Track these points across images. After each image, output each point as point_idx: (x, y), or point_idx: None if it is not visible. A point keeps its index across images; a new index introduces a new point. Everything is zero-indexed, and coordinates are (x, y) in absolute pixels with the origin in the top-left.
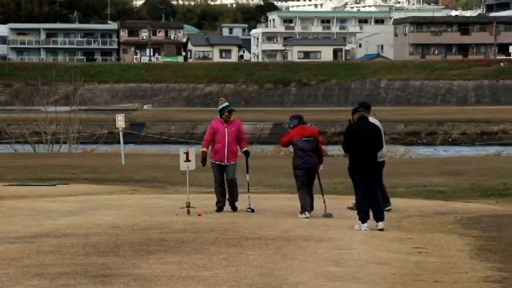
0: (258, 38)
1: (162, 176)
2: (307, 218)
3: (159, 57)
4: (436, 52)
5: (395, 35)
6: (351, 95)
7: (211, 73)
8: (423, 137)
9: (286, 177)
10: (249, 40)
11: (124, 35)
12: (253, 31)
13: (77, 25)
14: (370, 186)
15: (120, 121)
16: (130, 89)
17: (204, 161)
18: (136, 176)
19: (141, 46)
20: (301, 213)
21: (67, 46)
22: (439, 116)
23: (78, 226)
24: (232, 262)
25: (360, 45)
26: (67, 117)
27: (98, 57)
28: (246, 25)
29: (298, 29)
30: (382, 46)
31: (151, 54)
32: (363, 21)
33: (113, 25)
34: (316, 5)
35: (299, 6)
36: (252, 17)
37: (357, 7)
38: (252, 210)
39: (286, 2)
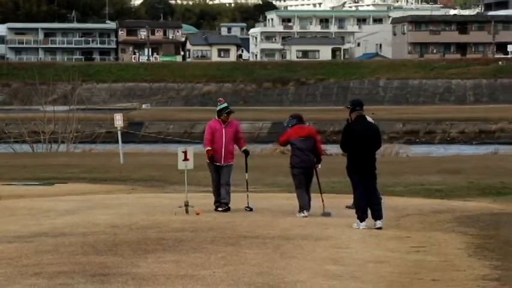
0: (256, 38)
1: (161, 175)
2: (306, 216)
3: (158, 56)
4: (435, 51)
5: (394, 34)
6: (350, 94)
7: (210, 72)
8: (422, 136)
9: (284, 176)
10: (248, 39)
11: (122, 34)
12: (252, 30)
13: (75, 25)
14: (368, 185)
15: (119, 120)
16: (129, 88)
17: (211, 158)
18: (134, 175)
19: (139, 45)
20: (299, 212)
21: (65, 46)
22: (438, 115)
23: (76, 225)
24: (230, 261)
25: (359, 44)
26: (65, 117)
27: (96, 56)
28: (244, 24)
29: (296, 28)
30: (380, 45)
31: (150, 53)
32: (361, 20)
33: (111, 25)
34: (314, 5)
35: (297, 5)
36: (251, 16)
37: (355, 6)
38: (251, 209)
39: (284, 1)
